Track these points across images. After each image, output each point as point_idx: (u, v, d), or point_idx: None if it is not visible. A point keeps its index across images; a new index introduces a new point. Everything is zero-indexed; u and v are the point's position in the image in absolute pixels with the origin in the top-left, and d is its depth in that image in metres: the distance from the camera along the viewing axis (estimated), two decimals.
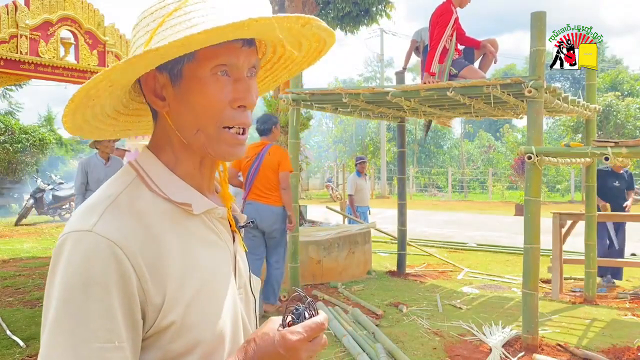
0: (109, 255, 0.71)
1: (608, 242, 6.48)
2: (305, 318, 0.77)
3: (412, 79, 33.09)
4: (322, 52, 0.91)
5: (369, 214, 9.15)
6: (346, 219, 9.14)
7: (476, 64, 5.40)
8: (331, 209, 10.25)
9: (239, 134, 0.81)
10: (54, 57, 6.06)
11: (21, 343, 4.21)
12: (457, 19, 5.21)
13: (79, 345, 0.68)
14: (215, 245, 0.85)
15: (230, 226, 0.91)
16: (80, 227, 0.73)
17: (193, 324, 0.77)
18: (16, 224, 12.77)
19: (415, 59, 6.89)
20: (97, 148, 5.80)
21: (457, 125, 35.52)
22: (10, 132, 17.77)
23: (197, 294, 0.78)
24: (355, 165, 9.16)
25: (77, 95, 0.75)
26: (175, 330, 0.75)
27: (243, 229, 0.96)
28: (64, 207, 13.60)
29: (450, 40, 5.15)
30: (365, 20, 10.06)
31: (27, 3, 5.86)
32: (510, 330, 4.50)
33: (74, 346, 0.68)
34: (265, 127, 5.02)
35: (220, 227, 0.88)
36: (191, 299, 0.77)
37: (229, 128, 0.80)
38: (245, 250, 0.97)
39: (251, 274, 0.96)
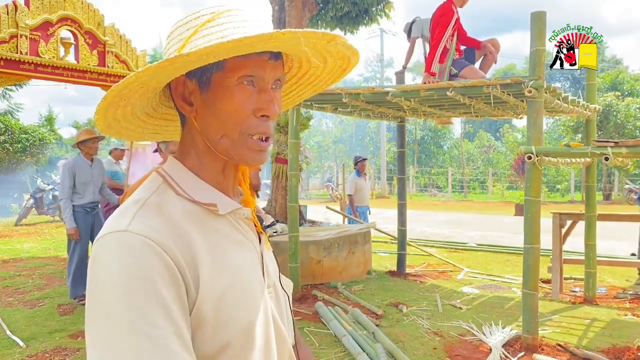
0: (148, 250, 0.73)
1: None
2: None
3: (412, 79, 33.15)
4: (346, 70, 0.95)
5: (369, 213, 9.10)
6: (346, 219, 9.14)
7: (477, 65, 5.40)
8: (331, 209, 10.25)
9: (261, 140, 0.85)
10: (54, 57, 6.06)
11: (21, 343, 4.21)
12: (458, 19, 5.21)
13: (140, 337, 0.68)
14: (242, 244, 0.87)
15: (256, 227, 0.93)
16: (115, 228, 0.76)
17: (225, 320, 0.78)
18: (16, 224, 12.77)
19: (415, 59, 6.89)
20: (80, 148, 5.51)
21: (457, 125, 35.54)
22: (10, 132, 17.77)
23: (227, 290, 0.79)
24: (355, 165, 9.05)
25: (110, 94, 0.79)
26: (208, 327, 0.77)
27: (268, 229, 0.98)
28: None
29: (451, 41, 5.16)
30: (365, 20, 10.04)
31: (27, 3, 5.87)
32: (510, 330, 4.50)
33: (134, 338, 0.68)
34: None
35: (246, 228, 0.90)
36: (221, 296, 0.78)
37: (252, 135, 0.84)
38: (272, 250, 0.99)
39: (281, 274, 0.98)
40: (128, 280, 0.70)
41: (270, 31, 0.73)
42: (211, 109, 0.83)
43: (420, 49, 6.23)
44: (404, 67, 6.74)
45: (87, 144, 5.48)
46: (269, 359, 0.86)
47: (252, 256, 0.88)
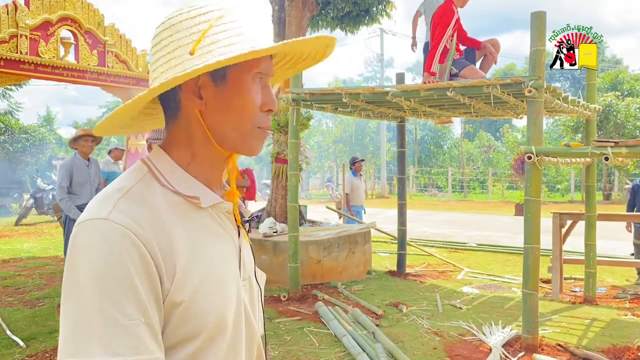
0: (126, 240, 0.75)
1: None
2: None
3: (412, 79, 33.15)
4: (324, 54, 0.98)
5: (364, 212, 9.33)
6: (345, 219, 9.16)
7: (477, 65, 5.40)
8: (331, 208, 10.25)
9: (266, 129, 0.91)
10: (54, 57, 6.06)
11: (21, 343, 4.21)
12: (458, 19, 5.21)
13: (109, 323, 0.71)
14: (221, 237, 0.89)
15: (236, 220, 0.95)
16: (95, 215, 0.77)
17: (198, 310, 0.80)
18: (16, 224, 12.77)
19: (415, 59, 6.85)
20: (75, 148, 5.41)
21: (457, 125, 35.53)
22: (10, 132, 17.77)
23: (202, 281, 0.81)
24: (351, 165, 9.21)
25: (118, 113, 0.84)
26: (180, 315, 0.79)
27: (248, 223, 1.01)
28: None
29: (451, 41, 5.15)
30: (366, 20, 10.03)
31: (27, 3, 5.87)
32: (510, 330, 4.50)
33: (104, 324, 0.71)
34: None
35: (227, 221, 0.92)
36: (197, 286, 0.80)
37: (260, 128, 0.89)
38: (250, 244, 1.01)
39: (256, 267, 1.01)
40: (103, 269, 0.72)
41: (287, 41, 0.81)
42: (225, 102, 0.86)
43: (420, 48, 6.20)
44: (413, 38, 6.19)
45: (79, 142, 5.37)
46: (237, 349, 0.88)
47: (230, 249, 0.91)
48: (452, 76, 5.13)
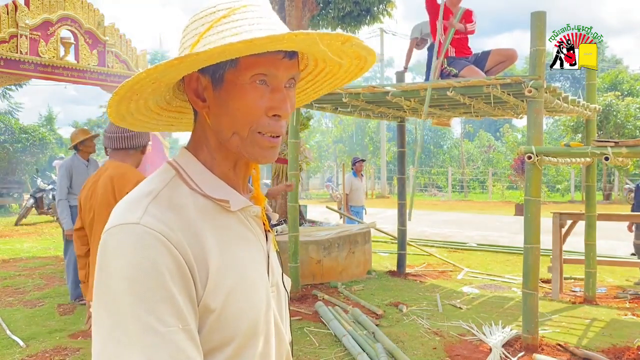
0: (160, 245, 0.73)
1: None
2: None
3: (412, 79, 33.14)
4: (363, 69, 0.93)
5: (365, 213, 9.33)
6: (345, 218, 9.17)
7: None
8: (331, 208, 10.25)
9: (272, 136, 0.84)
10: (54, 56, 6.07)
11: (21, 343, 4.21)
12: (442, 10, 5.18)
13: (146, 331, 0.69)
14: (250, 242, 0.87)
15: (264, 225, 0.93)
16: (127, 220, 0.75)
17: (230, 316, 0.79)
18: (16, 224, 12.77)
19: (415, 59, 6.93)
20: (76, 149, 5.42)
21: (457, 125, 35.52)
22: (10, 132, 17.78)
23: (234, 287, 0.80)
24: (352, 165, 9.21)
25: (122, 89, 0.78)
26: (213, 322, 0.77)
27: (275, 227, 0.98)
28: None
29: (443, 34, 5.18)
30: (367, 20, 10.04)
31: (27, 3, 5.87)
32: (510, 330, 4.50)
33: (141, 332, 0.69)
34: None
35: (255, 225, 0.90)
36: (229, 292, 0.79)
37: (262, 133, 0.83)
38: (277, 250, 0.99)
39: (283, 272, 0.99)
40: (138, 275, 0.71)
41: (282, 32, 0.72)
42: (223, 106, 0.83)
43: (422, 50, 6.25)
44: (405, 68, 6.73)
45: (85, 144, 5.39)
46: (268, 355, 0.86)
47: (260, 254, 0.89)
48: (452, 76, 5.13)
